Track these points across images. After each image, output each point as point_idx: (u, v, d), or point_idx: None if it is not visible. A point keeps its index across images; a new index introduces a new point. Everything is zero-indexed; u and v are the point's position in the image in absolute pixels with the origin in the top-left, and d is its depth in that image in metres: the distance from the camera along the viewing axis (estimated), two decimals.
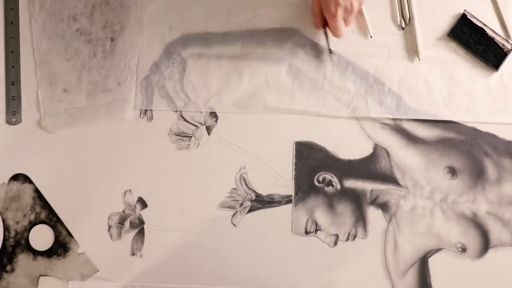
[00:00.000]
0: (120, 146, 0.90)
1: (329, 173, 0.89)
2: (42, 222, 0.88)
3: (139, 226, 0.89)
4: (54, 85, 0.91)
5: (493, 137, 0.90)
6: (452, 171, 0.90)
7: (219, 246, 0.88)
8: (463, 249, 0.88)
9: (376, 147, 0.90)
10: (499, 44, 0.91)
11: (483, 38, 0.91)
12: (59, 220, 0.88)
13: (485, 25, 0.91)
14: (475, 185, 0.89)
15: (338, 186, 0.89)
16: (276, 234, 0.88)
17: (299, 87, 0.91)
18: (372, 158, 0.90)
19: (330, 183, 0.89)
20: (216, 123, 0.90)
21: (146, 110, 0.91)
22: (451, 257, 0.88)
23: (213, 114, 0.90)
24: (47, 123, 0.90)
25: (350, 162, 0.90)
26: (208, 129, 0.90)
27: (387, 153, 0.90)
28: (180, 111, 0.90)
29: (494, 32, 0.91)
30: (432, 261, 0.88)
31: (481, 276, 0.88)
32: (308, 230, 0.88)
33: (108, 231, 0.88)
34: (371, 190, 0.89)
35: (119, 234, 0.88)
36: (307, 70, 0.91)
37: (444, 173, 0.90)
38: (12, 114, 0.90)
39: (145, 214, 0.89)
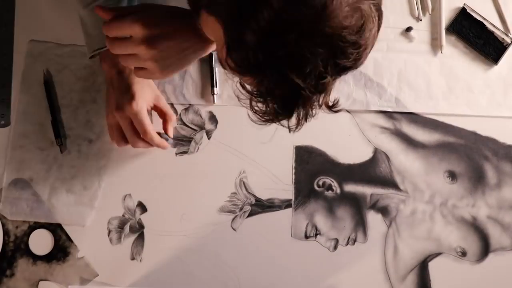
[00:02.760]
0: (120, 149, 0.89)
1: (329, 177, 0.89)
2: (42, 226, 0.88)
3: (139, 230, 0.88)
4: (21, 171, 0.88)
5: (493, 141, 0.90)
6: (452, 175, 0.90)
7: (219, 250, 0.88)
8: (463, 253, 0.88)
9: (376, 151, 0.90)
10: (499, 38, 0.91)
11: (483, 32, 0.91)
12: (58, 225, 0.88)
13: (484, 19, 0.91)
14: (475, 190, 0.89)
15: (338, 190, 0.89)
16: (276, 239, 0.88)
17: None
18: (372, 162, 0.90)
19: (330, 187, 0.89)
20: (216, 127, 0.90)
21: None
22: (451, 261, 0.88)
23: (213, 119, 0.90)
24: (5, 208, 0.87)
25: (350, 166, 0.89)
26: (208, 133, 0.90)
27: (387, 157, 0.90)
28: (180, 115, 0.90)
29: (494, 26, 0.91)
30: (432, 266, 0.88)
31: (481, 280, 0.88)
32: (308, 235, 0.88)
33: (108, 235, 0.88)
34: (371, 194, 0.89)
35: (119, 238, 0.88)
36: None
37: (444, 177, 0.90)
38: (1, 117, 0.89)
39: (145, 218, 0.89)
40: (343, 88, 0.90)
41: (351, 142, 0.90)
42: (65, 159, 0.88)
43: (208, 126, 0.90)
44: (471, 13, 0.91)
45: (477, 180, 0.89)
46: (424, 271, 0.88)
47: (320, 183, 0.89)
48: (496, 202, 0.89)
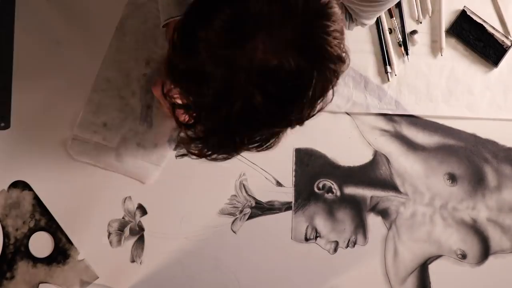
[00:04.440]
0: None
1: (329, 180, 0.89)
2: (42, 229, 0.88)
3: (139, 233, 0.88)
4: (97, 114, 0.87)
5: (493, 143, 0.90)
6: (452, 178, 0.90)
7: (219, 253, 0.88)
8: (463, 256, 0.88)
9: (376, 153, 0.90)
10: (499, 40, 0.91)
11: (483, 34, 0.91)
12: (58, 227, 0.88)
13: (484, 21, 0.91)
14: (475, 192, 0.89)
15: (338, 193, 0.89)
16: (276, 241, 0.88)
17: None
18: (372, 164, 0.90)
19: (330, 190, 0.89)
20: None
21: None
22: (451, 263, 0.88)
23: None
24: (74, 145, 0.87)
25: (350, 169, 0.89)
26: None
27: (387, 159, 0.90)
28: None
29: (494, 28, 0.91)
30: (432, 268, 0.88)
31: (481, 282, 0.88)
32: (308, 237, 0.88)
33: (108, 238, 0.88)
34: (371, 197, 0.89)
35: (119, 241, 0.88)
36: None
37: (444, 179, 0.90)
38: (1, 119, 0.89)
39: (145, 221, 0.89)
40: (343, 91, 0.90)
41: (351, 145, 0.90)
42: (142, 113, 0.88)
43: None
44: (471, 15, 0.91)
45: (477, 182, 0.89)
46: (424, 273, 0.88)
47: (320, 185, 0.89)
48: (496, 205, 0.89)
